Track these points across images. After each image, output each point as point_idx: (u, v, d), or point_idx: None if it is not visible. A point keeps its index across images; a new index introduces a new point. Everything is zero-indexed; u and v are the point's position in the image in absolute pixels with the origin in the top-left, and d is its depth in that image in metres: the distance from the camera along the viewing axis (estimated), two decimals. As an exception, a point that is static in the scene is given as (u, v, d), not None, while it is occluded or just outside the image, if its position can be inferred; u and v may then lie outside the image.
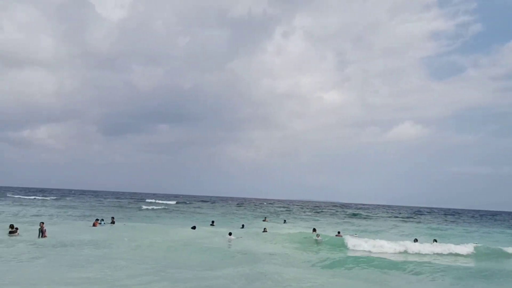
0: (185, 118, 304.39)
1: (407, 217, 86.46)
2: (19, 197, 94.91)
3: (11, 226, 28.57)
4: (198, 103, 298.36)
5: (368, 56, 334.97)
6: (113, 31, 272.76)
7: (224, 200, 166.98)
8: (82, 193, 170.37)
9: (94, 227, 34.86)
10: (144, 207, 77.59)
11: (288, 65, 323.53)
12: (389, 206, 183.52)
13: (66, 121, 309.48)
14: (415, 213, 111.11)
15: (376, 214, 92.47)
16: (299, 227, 45.51)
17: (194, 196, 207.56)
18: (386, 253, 27.83)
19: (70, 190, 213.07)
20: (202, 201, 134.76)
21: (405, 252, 28.86)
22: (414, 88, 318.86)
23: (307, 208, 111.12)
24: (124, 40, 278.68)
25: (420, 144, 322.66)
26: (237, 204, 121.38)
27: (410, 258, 25.85)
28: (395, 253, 28.45)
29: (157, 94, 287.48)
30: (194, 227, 35.07)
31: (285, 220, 57.39)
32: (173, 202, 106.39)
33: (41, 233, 26.79)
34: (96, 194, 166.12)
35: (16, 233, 27.38)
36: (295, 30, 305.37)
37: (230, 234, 31.65)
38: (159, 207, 79.57)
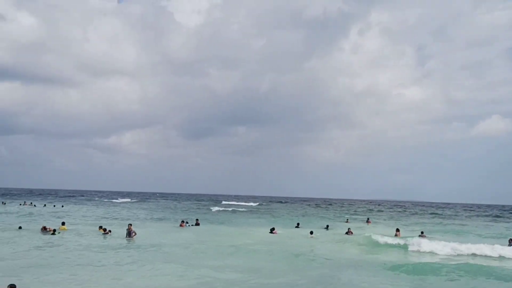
0: (262, 120, 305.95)
1: (497, 216, 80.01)
2: (108, 201, 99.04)
3: (103, 228, 29.25)
4: (275, 104, 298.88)
5: (450, 49, 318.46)
6: (190, 37, 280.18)
7: (304, 200, 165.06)
8: (164, 195, 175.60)
9: (181, 228, 35.13)
10: (224, 209, 77.75)
11: (365, 63, 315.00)
12: (476, 205, 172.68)
13: (149, 127, 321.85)
14: (506, 212, 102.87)
15: (461, 214, 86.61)
16: (382, 228, 43.71)
17: (273, 197, 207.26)
18: (476, 255, 24.45)
19: (154, 193, 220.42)
20: (281, 202, 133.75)
21: (501, 257, 24.20)
22: (502, 80, 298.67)
23: (388, 208, 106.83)
24: (201, 46, 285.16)
25: (509, 139, 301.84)
26: (317, 204, 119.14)
27: (508, 265, 21.90)
28: (485, 256, 24.37)
29: (234, 97, 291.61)
30: (272, 229, 33.70)
31: (368, 219, 55.55)
32: (254, 204, 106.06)
33: (128, 234, 26.96)
34: (177, 196, 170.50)
35: (108, 234, 28.37)
36: (372, 26, 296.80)
37: (311, 233, 32.19)
38: (241, 209, 79.34)
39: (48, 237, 26.43)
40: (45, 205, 65.54)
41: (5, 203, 66.40)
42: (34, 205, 64.06)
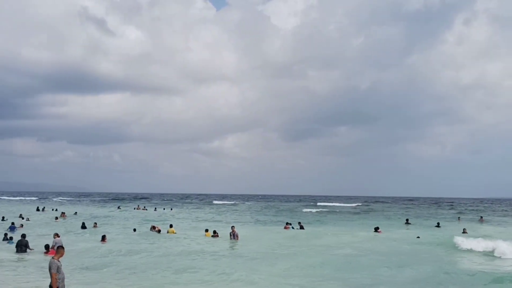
0: (363, 118, 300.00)
1: None
2: (212, 203, 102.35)
3: (213, 231, 29.95)
4: (375, 102, 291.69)
5: None
6: (288, 39, 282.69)
7: (408, 200, 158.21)
8: (265, 198, 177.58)
9: (285, 230, 34.98)
10: (326, 210, 76.71)
11: (472, 54, 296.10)
12: None
13: (250, 130, 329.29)
14: None
15: None
16: (500, 228, 40.67)
17: (375, 197, 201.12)
18: None
19: (256, 195, 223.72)
20: (383, 202, 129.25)
21: None
22: None
23: (505, 206, 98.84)
24: (299, 47, 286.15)
25: None
26: (422, 203, 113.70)
27: None
28: None
29: (334, 96, 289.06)
30: (377, 228, 32.62)
31: (481, 217, 52.48)
32: (354, 204, 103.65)
33: (233, 236, 27.38)
34: (279, 198, 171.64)
35: (217, 235, 28.97)
36: (478, 15, 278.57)
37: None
38: (342, 210, 78.00)
39: (158, 239, 27.72)
40: (155, 208, 69.09)
41: (120, 208, 71.06)
42: (146, 209, 67.96)
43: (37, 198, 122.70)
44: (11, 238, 25.84)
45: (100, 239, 26.31)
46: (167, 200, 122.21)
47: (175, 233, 30.92)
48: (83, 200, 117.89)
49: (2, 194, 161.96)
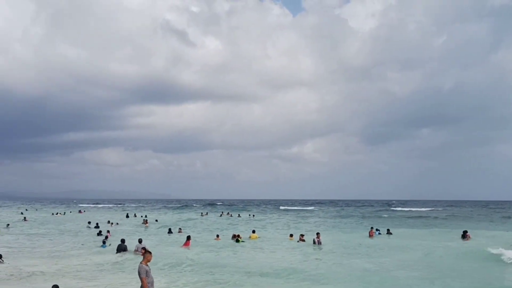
0: (446, 120, 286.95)
1: None
2: (292, 208, 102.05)
3: (300, 235, 29.61)
4: (460, 102, 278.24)
5: None
6: (366, 41, 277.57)
7: (500, 204, 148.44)
8: (346, 202, 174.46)
9: (370, 235, 33.97)
10: (409, 215, 73.65)
11: None
12: None
13: (329, 135, 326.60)
14: None
15: None
16: None
17: (462, 201, 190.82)
18: None
19: (337, 200, 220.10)
20: (470, 206, 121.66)
21: None
22: None
23: None
24: (378, 49, 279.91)
25: None
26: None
27: None
28: None
29: (415, 98, 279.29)
30: (465, 232, 30.44)
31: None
32: (439, 208, 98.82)
33: (317, 242, 26.99)
34: (361, 202, 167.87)
35: (303, 240, 28.73)
36: None
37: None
38: (426, 215, 74.51)
39: (241, 245, 27.89)
40: (239, 215, 70.16)
41: (203, 214, 72.79)
42: (231, 215, 69.49)
43: (121, 204, 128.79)
44: (103, 242, 27.53)
45: (184, 242, 26.98)
46: (247, 206, 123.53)
47: (258, 237, 30.92)
48: (169, 206, 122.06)
49: (98, 202, 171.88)
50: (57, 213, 75.17)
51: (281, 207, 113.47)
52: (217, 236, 31.48)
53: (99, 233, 34.67)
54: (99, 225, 43.45)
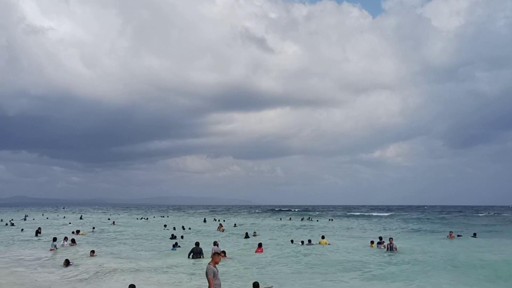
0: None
1: None
2: (371, 214, 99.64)
3: (379, 238, 28.90)
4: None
5: None
6: (451, 41, 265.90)
7: None
8: (433, 208, 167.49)
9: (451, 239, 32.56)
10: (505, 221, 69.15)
11: None
12: None
13: (412, 138, 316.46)
14: None
15: None
16: None
17: None
18: None
19: (424, 206, 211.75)
20: None
21: None
22: None
23: None
24: (464, 48, 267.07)
25: None
26: None
27: None
28: None
29: (506, 98, 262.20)
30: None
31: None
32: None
33: (390, 248, 26.27)
34: (447, 208, 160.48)
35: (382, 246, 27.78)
36: None
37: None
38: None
39: (312, 249, 27.70)
40: (317, 220, 70.37)
41: (281, 219, 73.28)
42: (311, 220, 70.34)
43: (202, 211, 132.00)
44: (176, 244, 28.83)
45: (257, 247, 27.28)
46: (328, 211, 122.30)
47: (328, 244, 30.32)
48: (252, 212, 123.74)
49: (180, 208, 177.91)
50: (141, 218, 78.92)
51: (361, 213, 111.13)
52: (291, 241, 31.50)
53: (172, 237, 36.04)
54: (175, 228, 45.03)
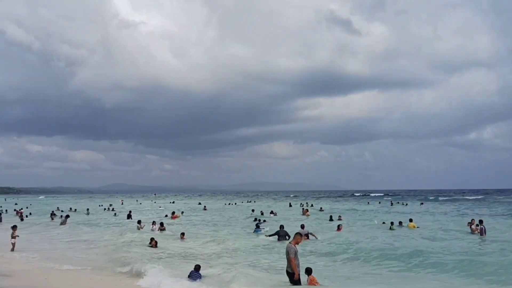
0: None
1: None
2: (465, 198, 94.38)
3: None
4: None
5: None
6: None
7: None
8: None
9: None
10: None
11: None
12: None
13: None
14: None
15: None
16: None
17: None
18: None
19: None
20: None
21: None
22: None
23: None
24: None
25: None
26: None
27: None
28: None
29: None
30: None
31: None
32: None
33: (482, 231, 24.70)
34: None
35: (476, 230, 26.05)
36: None
37: None
38: None
39: (399, 232, 26.93)
40: (406, 204, 68.64)
41: (369, 203, 71.67)
42: (404, 204, 68.72)
43: (287, 196, 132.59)
44: (257, 226, 29.56)
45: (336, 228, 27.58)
46: (419, 195, 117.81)
47: (416, 227, 29.40)
48: (340, 197, 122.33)
49: (268, 194, 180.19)
50: (229, 203, 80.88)
51: (454, 197, 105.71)
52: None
53: (255, 220, 37.02)
54: (263, 213, 45.47)
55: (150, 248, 21.15)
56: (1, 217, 41.04)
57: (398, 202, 72.57)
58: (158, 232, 28.93)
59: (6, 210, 60.08)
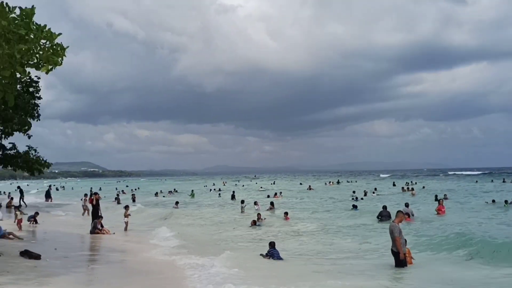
0: None
1: None
2: None
3: None
4: None
5: None
6: None
7: None
8: None
9: None
10: None
11: None
12: None
13: None
14: None
15: None
16: None
17: None
18: None
19: None
20: None
21: None
22: None
23: None
24: None
25: None
26: None
27: None
28: None
29: None
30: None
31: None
32: None
33: None
34: None
35: None
36: None
37: None
38: None
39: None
40: (504, 180, 65.85)
41: (477, 181, 67.58)
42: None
43: (389, 175, 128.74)
44: (355, 206, 29.74)
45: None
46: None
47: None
48: (446, 175, 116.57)
49: (369, 174, 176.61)
50: (329, 182, 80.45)
51: None
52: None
53: (353, 199, 37.98)
54: (366, 194, 44.66)
55: (251, 228, 21.96)
56: (119, 198, 44.45)
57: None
58: (269, 212, 29.73)
59: (123, 191, 64.57)
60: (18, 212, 21.31)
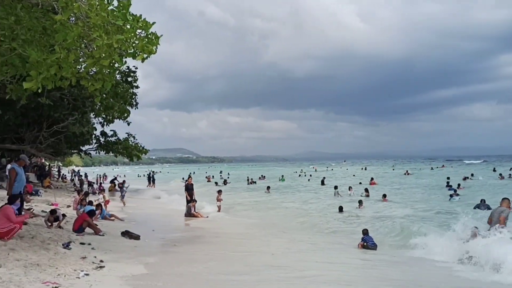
0: None
1: None
2: None
3: None
4: None
5: None
6: None
7: None
8: None
9: None
10: None
11: None
12: None
13: None
14: None
15: None
16: None
17: None
18: None
19: None
20: None
21: None
22: None
23: None
24: None
25: None
26: None
27: None
28: None
29: None
30: None
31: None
32: None
33: None
34: None
35: None
36: None
37: None
38: None
39: None
40: None
41: None
42: None
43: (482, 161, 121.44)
44: (457, 194, 28.01)
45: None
46: None
47: None
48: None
49: (463, 158, 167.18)
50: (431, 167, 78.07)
51: None
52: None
53: (448, 186, 35.75)
54: (465, 181, 42.30)
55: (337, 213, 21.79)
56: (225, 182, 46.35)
57: None
58: (364, 197, 29.21)
59: (213, 176, 66.54)
60: (105, 194, 23.22)
